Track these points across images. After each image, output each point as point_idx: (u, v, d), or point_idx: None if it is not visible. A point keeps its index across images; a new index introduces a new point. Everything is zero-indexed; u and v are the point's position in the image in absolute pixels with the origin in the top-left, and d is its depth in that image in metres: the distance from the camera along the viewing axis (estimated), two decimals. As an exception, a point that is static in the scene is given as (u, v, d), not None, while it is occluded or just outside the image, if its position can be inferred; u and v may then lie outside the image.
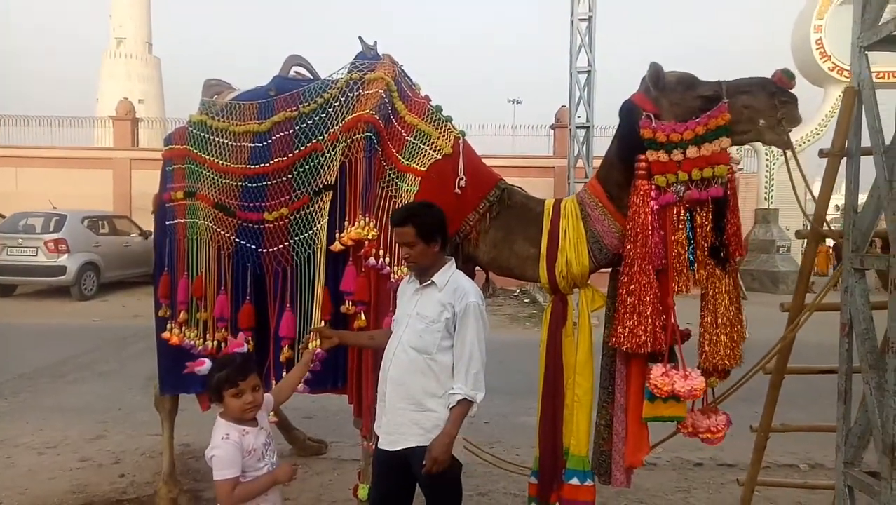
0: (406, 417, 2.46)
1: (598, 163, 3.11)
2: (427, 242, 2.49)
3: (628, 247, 2.71)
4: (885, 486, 2.57)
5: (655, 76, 2.71)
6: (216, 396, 2.28)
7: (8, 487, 3.99)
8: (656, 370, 2.64)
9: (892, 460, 2.50)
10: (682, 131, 2.59)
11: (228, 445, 2.20)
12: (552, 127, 17.86)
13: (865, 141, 2.81)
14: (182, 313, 3.44)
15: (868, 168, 2.84)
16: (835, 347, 3.03)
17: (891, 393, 2.50)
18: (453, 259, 2.65)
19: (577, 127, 13.11)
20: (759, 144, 16.01)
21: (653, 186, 2.64)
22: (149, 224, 4.11)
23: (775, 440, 3.76)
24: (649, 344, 2.64)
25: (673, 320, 2.70)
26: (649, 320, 2.64)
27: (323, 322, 3.00)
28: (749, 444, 3.78)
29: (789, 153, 2.83)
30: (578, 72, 12.90)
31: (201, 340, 3.39)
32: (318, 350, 2.91)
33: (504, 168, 3.32)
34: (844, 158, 2.95)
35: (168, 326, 3.53)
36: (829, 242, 20.56)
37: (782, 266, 15.62)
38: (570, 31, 12.92)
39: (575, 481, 2.86)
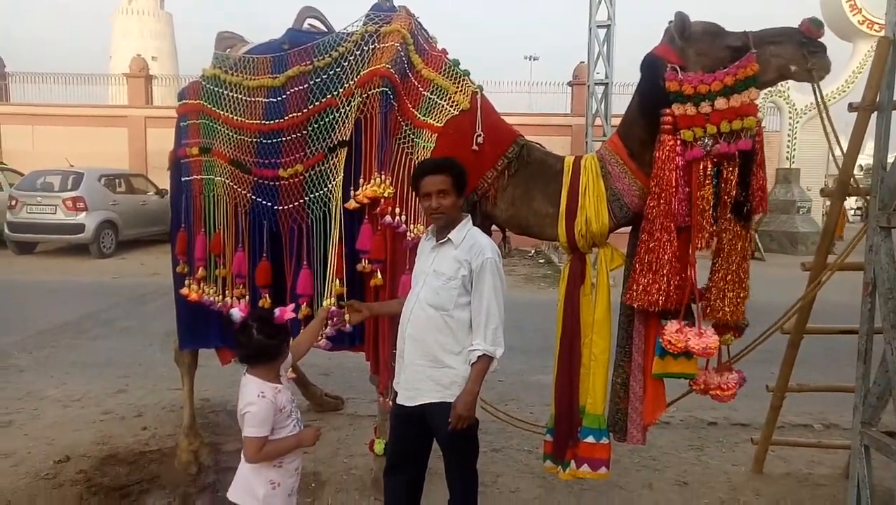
0: (424, 374, 2.47)
1: (616, 121, 3.03)
2: (458, 195, 2.49)
3: (651, 204, 2.66)
4: (903, 446, 2.56)
5: (682, 26, 2.62)
6: (281, 349, 2.31)
7: (35, 438, 4.10)
8: (671, 326, 2.63)
9: (912, 421, 2.48)
10: (710, 82, 2.51)
11: (264, 403, 2.21)
12: (570, 84, 17.53)
13: (898, 95, 2.72)
14: (200, 270, 3.46)
15: (897, 125, 2.75)
16: (854, 309, 3.00)
17: (913, 354, 2.47)
18: (469, 216, 2.63)
19: (596, 84, 12.86)
20: (782, 102, 15.74)
21: (678, 142, 2.58)
22: (165, 183, 4.10)
23: (790, 400, 3.77)
24: (661, 302, 2.62)
25: (693, 278, 2.67)
26: (665, 279, 2.61)
27: (338, 280, 3.00)
28: (763, 404, 3.80)
29: (818, 98, 2.75)
30: (598, 26, 12.58)
31: (220, 296, 3.42)
32: (333, 308, 2.92)
33: (520, 126, 3.26)
34: (875, 113, 2.86)
35: (186, 282, 3.56)
36: (847, 205, 20.24)
37: (802, 227, 15.39)
38: (590, -16, 12.56)
39: (591, 439, 2.88)
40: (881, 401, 2.85)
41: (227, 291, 3.39)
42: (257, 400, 2.21)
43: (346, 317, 2.79)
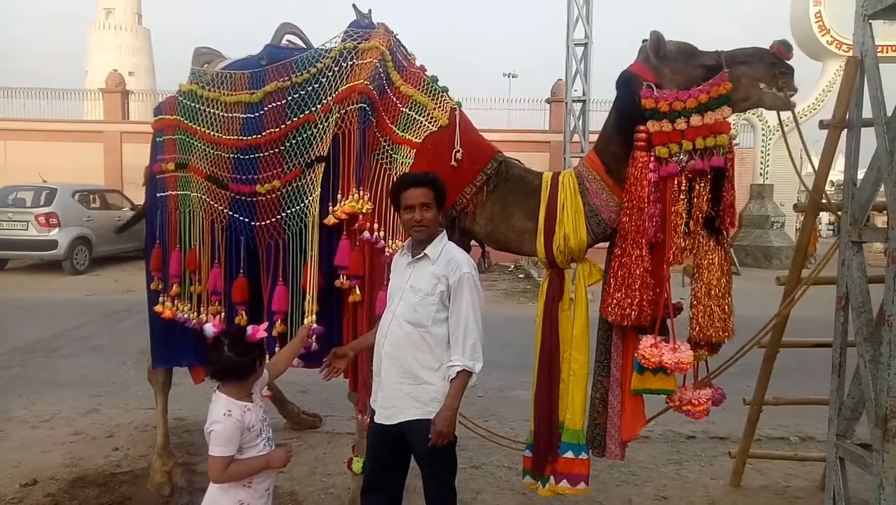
0: (402, 391, 2.45)
1: (594, 137, 3.07)
2: (439, 208, 2.50)
3: (623, 220, 2.68)
4: (876, 457, 2.59)
5: (657, 44, 2.66)
6: (252, 369, 2.25)
7: (1, 460, 3.98)
8: (646, 341, 2.64)
9: (885, 432, 2.51)
10: (684, 99, 2.55)
11: (230, 422, 2.17)
12: (548, 101, 17.70)
13: (866, 113, 2.78)
14: (175, 287, 3.41)
15: (866, 142, 2.82)
16: (827, 323, 3.04)
17: (885, 366, 2.51)
18: (444, 231, 2.62)
19: (574, 101, 13.01)
20: (755, 119, 16.06)
21: (652, 158, 2.61)
22: (141, 198, 4.04)
23: (767, 413, 3.80)
24: (633, 317, 2.63)
25: (667, 293, 2.69)
26: (637, 294, 2.63)
27: (315, 295, 2.97)
28: (740, 417, 3.82)
29: (789, 119, 2.81)
30: (575, 44, 12.77)
31: (195, 313, 3.36)
32: (315, 326, 2.90)
33: (499, 143, 3.28)
34: (845, 130, 2.93)
35: (161, 299, 3.50)
36: (825, 220, 20.55)
37: (776, 241, 15.65)
38: (568, 3, 12.75)
39: (570, 455, 2.87)
40: (855, 413, 2.89)
41: (202, 308, 3.34)
42: (223, 418, 2.17)
43: (312, 318, 2.85)
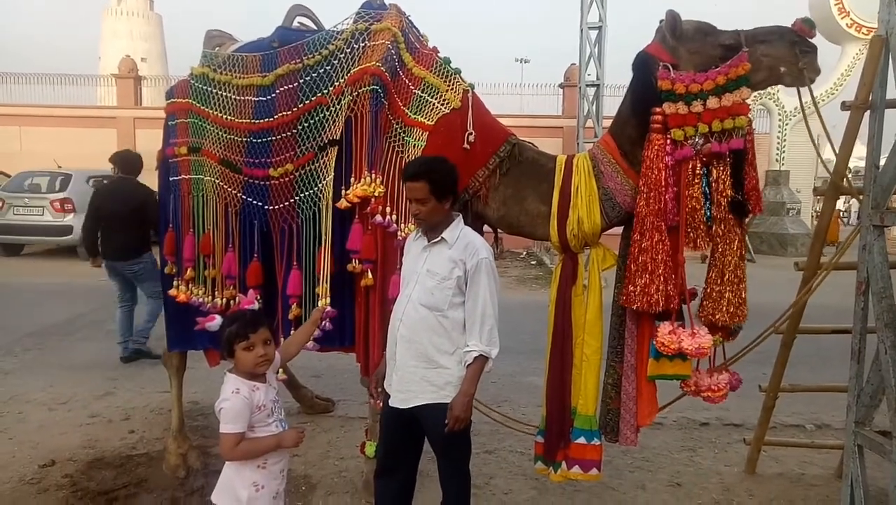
0: (418, 375, 2.44)
1: (608, 122, 3.02)
2: (439, 200, 2.43)
3: (640, 203, 2.64)
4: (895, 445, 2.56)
5: (673, 24, 2.60)
6: (227, 351, 2.27)
7: (20, 442, 4.04)
8: (664, 328, 2.61)
9: (905, 420, 2.47)
10: (702, 81, 2.49)
11: (238, 400, 2.19)
12: (561, 86, 17.56)
13: (890, 94, 2.72)
14: (189, 270, 3.42)
15: (889, 123, 2.75)
16: (843, 310, 3.00)
17: (906, 353, 2.46)
18: (461, 215, 2.60)
19: (587, 85, 12.85)
20: (771, 104, 15.80)
21: (668, 141, 2.56)
22: (154, 183, 4.05)
23: (782, 400, 3.77)
24: (661, 303, 2.59)
25: (682, 278, 2.65)
26: (661, 279, 2.59)
27: (328, 278, 2.96)
28: (755, 404, 3.79)
29: (810, 102, 2.74)
30: (589, 28, 12.59)
31: (209, 297, 3.37)
32: (328, 308, 2.90)
33: (512, 128, 3.23)
34: (867, 112, 2.86)
35: (174, 283, 3.51)
36: (839, 206, 20.24)
37: (792, 228, 15.49)
38: (582, -14, 12.57)
39: (582, 440, 2.85)
40: (874, 400, 2.84)
41: (216, 292, 3.35)
42: (231, 396, 2.20)
43: (326, 300, 2.84)
